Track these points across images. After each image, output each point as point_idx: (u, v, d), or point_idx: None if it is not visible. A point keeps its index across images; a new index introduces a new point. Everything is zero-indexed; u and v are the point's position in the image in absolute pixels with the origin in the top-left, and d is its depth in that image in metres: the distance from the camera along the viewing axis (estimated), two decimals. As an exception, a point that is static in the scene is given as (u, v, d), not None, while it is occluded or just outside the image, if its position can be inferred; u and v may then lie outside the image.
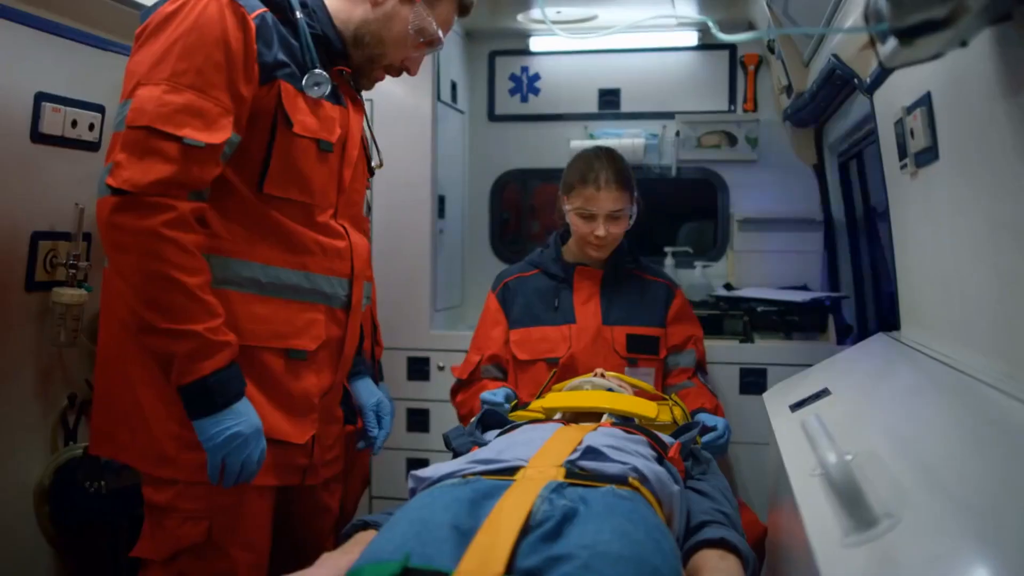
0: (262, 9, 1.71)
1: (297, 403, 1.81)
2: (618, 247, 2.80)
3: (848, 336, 3.26)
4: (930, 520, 1.03)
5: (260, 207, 1.75)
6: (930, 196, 1.77)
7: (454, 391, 2.83)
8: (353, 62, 1.90)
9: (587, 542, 1.24)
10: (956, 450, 1.23)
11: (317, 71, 1.78)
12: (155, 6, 1.68)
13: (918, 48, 1.16)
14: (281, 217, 1.77)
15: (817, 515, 1.22)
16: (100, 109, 2.45)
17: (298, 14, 1.78)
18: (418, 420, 3.37)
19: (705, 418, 2.51)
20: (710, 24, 1.56)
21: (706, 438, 2.41)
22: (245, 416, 1.68)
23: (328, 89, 1.79)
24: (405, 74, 2.00)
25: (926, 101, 1.66)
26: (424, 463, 3.38)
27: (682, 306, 2.84)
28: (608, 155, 2.74)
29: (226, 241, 1.71)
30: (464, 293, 3.97)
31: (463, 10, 1.97)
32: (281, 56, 1.73)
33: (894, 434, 1.39)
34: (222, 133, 1.62)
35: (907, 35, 1.11)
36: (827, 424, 1.34)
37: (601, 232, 2.65)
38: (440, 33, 1.92)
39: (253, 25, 1.67)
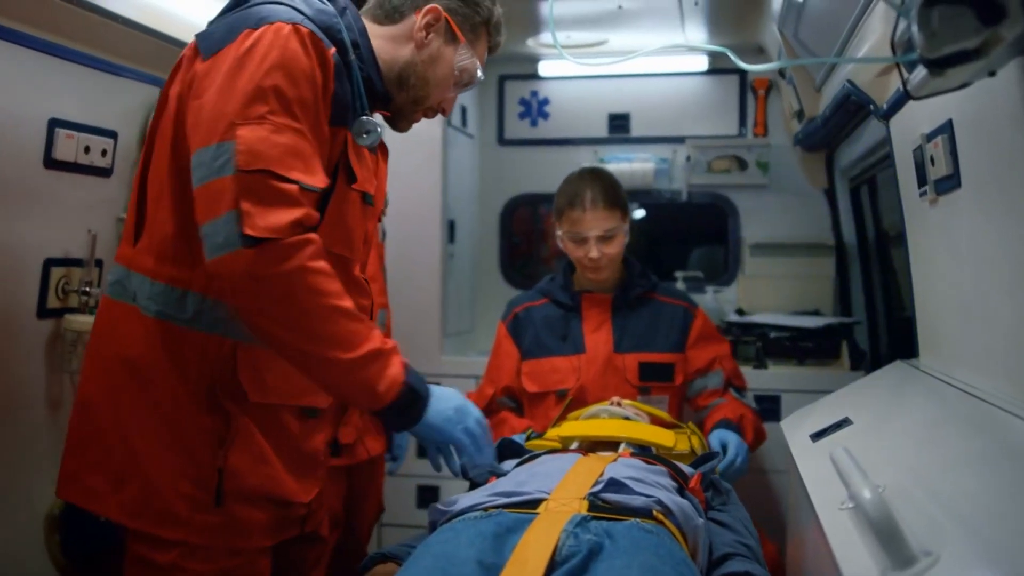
0: (333, 48, 1.60)
1: (306, 462, 1.72)
2: (629, 269, 2.78)
3: (862, 362, 3.24)
4: (969, 558, 1.01)
5: None
6: (951, 223, 1.76)
7: None
8: (395, 104, 1.81)
9: (615, 579, 1.22)
10: (987, 484, 1.21)
11: (368, 118, 1.68)
12: (211, 34, 1.57)
13: (949, 78, 1.16)
14: None
15: (850, 552, 1.20)
16: (113, 135, 2.45)
17: (351, 55, 1.67)
18: (428, 447, 3.34)
19: (714, 440, 2.47)
20: (729, 55, 1.55)
21: (720, 465, 2.37)
22: (442, 390, 1.68)
23: (378, 139, 1.70)
24: None
25: (947, 128, 1.65)
26: (435, 490, 3.36)
27: (703, 327, 2.78)
28: (594, 175, 2.72)
29: None
30: (475, 318, 3.95)
31: (492, 49, 1.91)
32: (346, 100, 1.63)
33: (922, 467, 1.37)
34: (321, 176, 1.54)
35: (938, 65, 1.10)
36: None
37: (594, 254, 2.63)
38: (481, 72, 1.86)
39: (332, 62, 1.58)
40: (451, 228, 3.58)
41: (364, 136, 1.67)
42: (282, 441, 1.65)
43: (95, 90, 2.41)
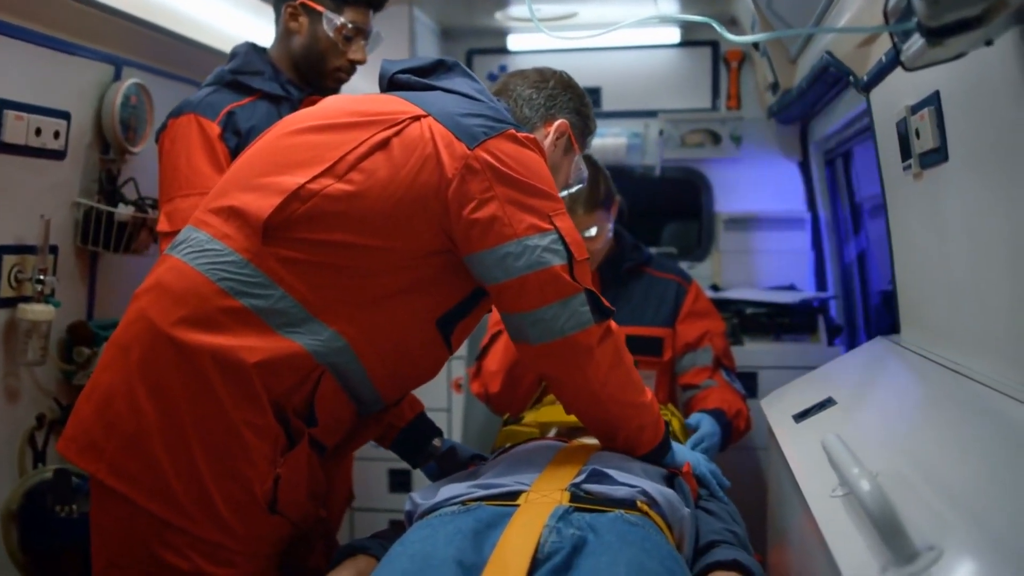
0: None
1: (316, 491, 1.71)
2: (620, 243, 2.71)
3: (837, 336, 3.21)
4: (974, 552, 0.97)
5: (416, 333, 1.67)
6: (937, 197, 1.71)
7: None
8: None
9: (602, 578, 1.17)
10: (986, 470, 1.17)
11: None
12: (464, 125, 1.58)
13: (947, 48, 1.10)
14: (419, 358, 1.72)
15: (846, 545, 1.15)
16: (66, 116, 2.34)
17: None
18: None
19: (691, 419, 2.43)
20: (715, 25, 1.48)
21: (689, 442, 2.32)
22: None
23: None
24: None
25: (934, 100, 1.60)
26: (407, 474, 3.30)
27: (695, 301, 2.72)
28: None
29: (371, 353, 1.62)
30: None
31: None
32: None
33: (916, 451, 1.33)
34: None
35: (938, 34, 1.05)
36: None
37: None
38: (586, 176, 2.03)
39: None
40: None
41: None
42: (312, 468, 1.65)
43: (46, 69, 2.31)
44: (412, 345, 1.68)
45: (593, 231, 2.53)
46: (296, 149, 1.60)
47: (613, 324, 1.66)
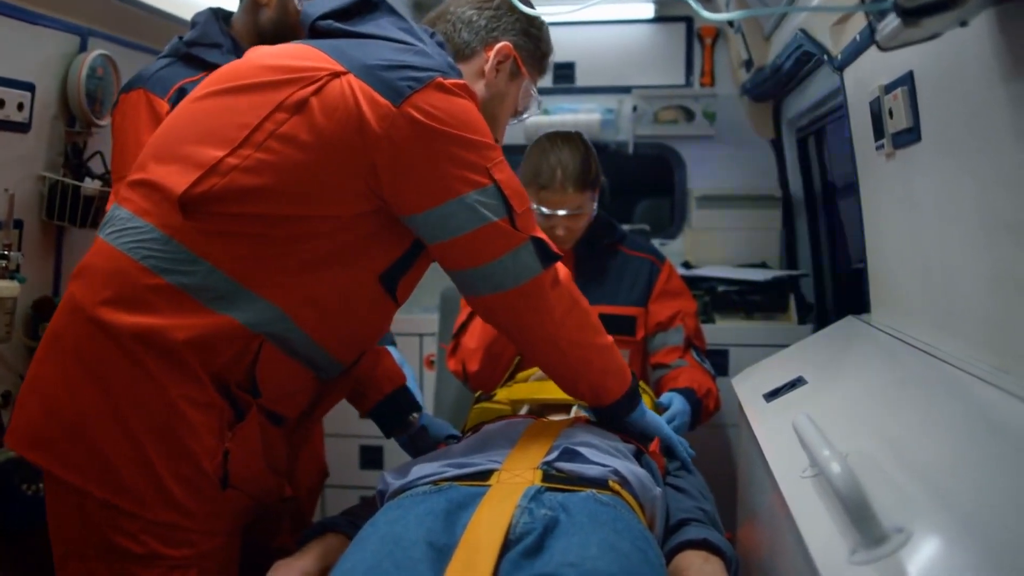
0: None
1: (276, 464, 1.67)
2: (595, 221, 2.68)
3: (809, 315, 3.23)
4: (942, 534, 0.97)
5: (359, 292, 1.61)
6: (909, 177, 1.71)
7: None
8: None
9: (572, 559, 1.17)
10: (956, 451, 1.18)
11: None
12: (384, 79, 1.48)
13: (922, 28, 1.10)
14: (366, 315, 1.67)
15: (816, 527, 1.15)
16: (30, 87, 2.29)
17: None
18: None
19: (664, 398, 2.44)
20: (690, 3, 1.47)
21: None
22: None
23: None
24: None
25: (908, 80, 1.60)
26: (378, 451, 3.29)
27: (669, 280, 2.71)
28: (569, 147, 2.54)
29: (313, 317, 1.56)
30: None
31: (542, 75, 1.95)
32: None
33: (886, 432, 1.33)
34: None
35: (914, 15, 1.04)
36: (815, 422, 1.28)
37: (560, 232, 2.51)
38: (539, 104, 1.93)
39: None
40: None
41: None
42: (265, 439, 1.61)
43: (9, 39, 2.26)
44: (357, 304, 1.62)
45: (572, 209, 2.51)
46: (211, 115, 1.52)
47: (561, 268, 1.67)
